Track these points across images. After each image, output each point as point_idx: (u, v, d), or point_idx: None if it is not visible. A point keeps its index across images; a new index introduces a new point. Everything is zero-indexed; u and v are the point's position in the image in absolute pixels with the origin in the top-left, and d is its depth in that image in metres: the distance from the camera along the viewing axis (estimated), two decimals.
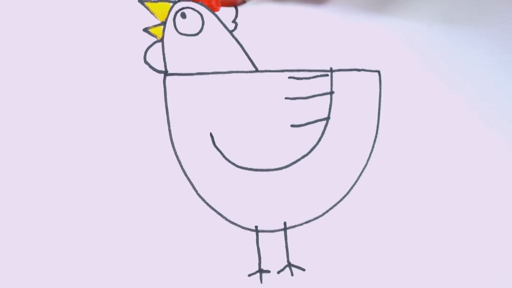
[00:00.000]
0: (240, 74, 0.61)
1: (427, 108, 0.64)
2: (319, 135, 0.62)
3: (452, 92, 0.65)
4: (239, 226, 0.61)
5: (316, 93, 0.62)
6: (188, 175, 0.60)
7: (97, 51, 0.59)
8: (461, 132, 0.65)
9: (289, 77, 0.62)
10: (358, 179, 0.63)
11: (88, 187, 0.59)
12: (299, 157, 0.62)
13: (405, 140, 0.64)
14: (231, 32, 0.61)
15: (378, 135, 0.63)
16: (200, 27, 0.61)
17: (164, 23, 0.60)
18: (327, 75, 0.63)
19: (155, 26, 0.60)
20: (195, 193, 0.61)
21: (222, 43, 0.61)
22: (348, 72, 0.63)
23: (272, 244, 0.62)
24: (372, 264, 0.63)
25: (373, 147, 0.63)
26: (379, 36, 0.63)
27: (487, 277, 0.65)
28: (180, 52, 0.60)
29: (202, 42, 0.61)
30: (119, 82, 0.59)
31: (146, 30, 0.60)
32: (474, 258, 0.65)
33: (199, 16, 0.61)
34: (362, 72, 0.63)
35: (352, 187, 0.63)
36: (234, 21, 0.61)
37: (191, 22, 0.61)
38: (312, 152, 0.62)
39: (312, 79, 0.62)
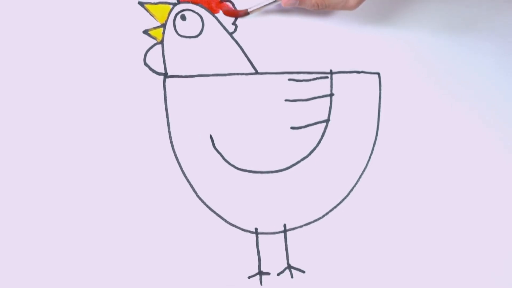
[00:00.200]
0: (240, 76, 0.61)
1: (427, 110, 0.64)
2: (319, 137, 0.62)
3: (451, 94, 0.65)
4: (239, 228, 0.61)
5: (316, 95, 0.62)
6: (188, 177, 0.60)
7: (97, 53, 0.59)
8: (460, 134, 0.65)
9: (289, 79, 0.62)
10: (358, 181, 0.63)
11: (87, 189, 0.58)
12: (299, 159, 0.62)
13: (405, 142, 0.64)
14: (231, 34, 0.61)
15: (378, 137, 0.63)
16: (200, 29, 0.61)
17: (164, 25, 0.60)
18: (327, 77, 0.63)
19: (155, 28, 0.60)
20: (195, 195, 0.61)
21: (222, 45, 0.61)
22: (348, 74, 0.63)
23: (272, 246, 0.62)
24: (372, 266, 0.63)
25: (373, 149, 0.63)
26: (379, 38, 0.63)
27: (486, 281, 0.65)
28: (180, 54, 0.60)
29: (202, 44, 0.61)
30: (119, 84, 0.59)
31: (146, 32, 0.60)
32: (473, 259, 0.65)
33: (199, 18, 0.61)
34: (362, 74, 0.63)
35: (352, 189, 0.63)
36: (234, 23, 0.61)
37: (191, 24, 0.60)
38: (312, 154, 0.62)
39: (312, 81, 0.62)
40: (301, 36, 0.62)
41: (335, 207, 0.63)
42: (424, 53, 0.64)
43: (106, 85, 0.59)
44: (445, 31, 0.65)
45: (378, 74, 0.63)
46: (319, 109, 0.62)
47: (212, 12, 0.61)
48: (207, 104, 0.61)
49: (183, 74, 0.60)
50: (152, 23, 0.60)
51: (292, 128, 0.62)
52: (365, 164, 0.63)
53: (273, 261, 0.62)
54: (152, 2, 0.60)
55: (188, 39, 0.61)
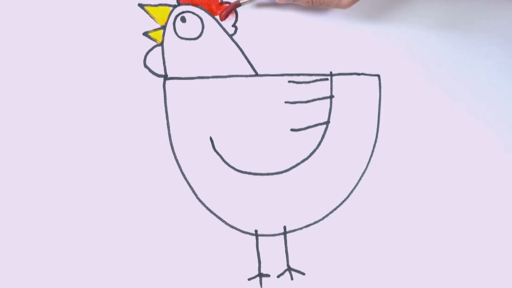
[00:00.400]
0: (240, 78, 0.61)
1: (427, 112, 0.64)
2: (319, 139, 0.62)
3: (451, 96, 0.65)
4: (239, 230, 0.61)
5: (316, 97, 0.62)
6: (188, 179, 0.60)
7: (97, 55, 0.59)
8: (460, 135, 0.65)
9: (289, 81, 0.62)
10: (358, 183, 0.63)
11: (87, 191, 0.58)
12: (299, 161, 0.62)
13: (405, 144, 0.64)
14: (231, 36, 0.61)
15: (378, 139, 0.63)
16: (200, 31, 0.61)
17: (164, 27, 0.60)
18: (327, 79, 0.63)
19: (155, 30, 0.60)
20: (195, 197, 0.61)
21: (222, 47, 0.61)
22: (348, 76, 0.63)
23: (272, 248, 0.62)
24: (372, 268, 0.63)
25: (373, 151, 0.63)
26: (379, 40, 0.63)
27: (487, 283, 0.65)
28: (180, 56, 0.60)
29: (202, 46, 0.61)
30: (119, 86, 0.59)
31: (146, 34, 0.60)
32: (474, 261, 0.65)
33: (199, 20, 0.61)
34: (362, 76, 0.63)
35: (352, 191, 0.63)
36: (234, 25, 0.61)
37: (191, 26, 0.60)
38: (312, 156, 0.62)
39: (312, 83, 0.62)
40: (301, 38, 0.62)
41: (335, 209, 0.63)
42: (424, 55, 0.64)
43: (106, 87, 0.59)
44: (446, 33, 0.65)
45: (378, 76, 0.63)
46: (319, 111, 0.62)
47: (212, 14, 0.61)
48: (207, 106, 0.61)
49: (183, 76, 0.60)
50: (152, 25, 0.60)
51: (292, 130, 0.62)
52: (365, 166, 0.63)
53: (273, 263, 0.62)
54: (152, 4, 0.60)
55: (188, 41, 0.61)
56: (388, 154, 0.64)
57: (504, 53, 0.66)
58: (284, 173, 0.62)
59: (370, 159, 0.63)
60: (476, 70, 0.65)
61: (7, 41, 0.58)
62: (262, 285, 0.62)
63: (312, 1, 0.57)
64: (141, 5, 0.60)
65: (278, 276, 0.62)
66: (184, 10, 0.60)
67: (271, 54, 0.62)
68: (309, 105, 0.62)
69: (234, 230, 0.61)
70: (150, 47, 0.60)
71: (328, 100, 0.63)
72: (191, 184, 0.60)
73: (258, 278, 0.61)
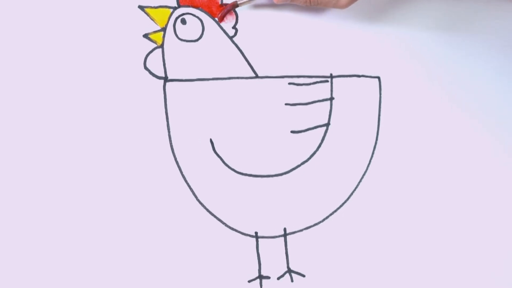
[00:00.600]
0: (240, 80, 0.61)
1: (428, 114, 0.64)
2: (319, 141, 0.62)
3: (452, 98, 0.65)
4: (239, 232, 0.61)
5: (316, 99, 0.62)
6: (188, 181, 0.60)
7: (97, 57, 0.59)
8: (461, 137, 0.65)
9: (289, 83, 0.62)
10: (358, 185, 0.63)
11: (87, 193, 0.58)
12: (299, 163, 0.62)
13: (405, 146, 0.64)
14: (231, 38, 0.61)
15: (378, 141, 0.63)
16: (200, 33, 0.61)
17: (164, 29, 0.60)
18: (327, 81, 0.63)
19: (155, 32, 0.60)
20: (195, 199, 0.61)
21: (222, 49, 0.61)
22: (348, 78, 0.63)
23: (272, 250, 0.62)
24: (372, 270, 0.63)
25: (373, 153, 0.63)
26: (380, 42, 0.64)
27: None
28: (180, 58, 0.60)
29: (202, 48, 0.61)
30: (119, 88, 0.59)
31: (146, 36, 0.60)
32: (475, 263, 0.65)
33: (199, 22, 0.61)
34: (362, 78, 0.63)
35: (352, 193, 0.63)
36: (234, 27, 0.61)
37: (191, 28, 0.60)
38: (312, 158, 0.62)
39: (312, 85, 0.62)
40: (302, 40, 0.62)
41: (335, 211, 0.63)
42: (425, 56, 0.64)
43: (106, 89, 0.59)
44: (446, 34, 0.65)
45: (378, 78, 0.63)
46: (319, 113, 0.62)
47: (212, 16, 0.61)
48: (207, 108, 0.61)
49: (183, 78, 0.60)
50: (152, 27, 0.60)
51: (292, 132, 0.62)
52: (365, 168, 0.63)
53: (273, 265, 0.62)
54: (152, 6, 0.60)
55: (188, 43, 0.61)
56: (388, 156, 0.64)
57: (504, 55, 0.66)
58: (284, 175, 0.62)
59: (370, 161, 0.63)
60: (476, 72, 0.65)
61: (7, 42, 0.58)
62: (262, 287, 0.62)
63: (310, 1, 0.57)
64: (141, 7, 0.60)
65: (278, 278, 0.62)
66: (184, 12, 0.60)
67: (271, 56, 0.62)
68: (309, 107, 0.62)
69: (234, 232, 0.61)
70: (150, 49, 0.60)
71: (328, 102, 0.63)
72: (191, 186, 0.60)
73: (258, 280, 0.61)
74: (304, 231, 0.62)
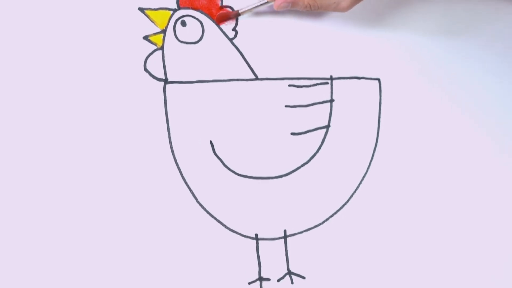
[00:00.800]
0: (240, 82, 0.61)
1: (428, 116, 0.64)
2: (319, 143, 0.62)
3: (452, 100, 0.65)
4: (239, 234, 0.61)
5: (316, 101, 0.62)
6: (188, 183, 0.60)
7: (97, 59, 0.59)
8: (461, 140, 0.65)
9: (289, 85, 0.62)
10: (358, 186, 0.63)
11: (87, 195, 0.58)
12: (299, 165, 0.62)
13: (406, 148, 0.64)
14: (231, 40, 0.61)
15: (378, 143, 0.63)
16: (200, 35, 0.61)
17: (164, 31, 0.60)
18: (327, 83, 0.63)
19: (155, 34, 0.60)
20: (195, 201, 0.61)
21: (222, 51, 0.61)
22: (348, 80, 0.63)
23: (272, 252, 0.62)
24: (372, 272, 0.63)
25: (373, 155, 0.63)
26: (379, 44, 0.63)
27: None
28: (180, 60, 0.60)
29: (202, 50, 0.61)
30: (119, 90, 0.59)
31: (146, 38, 0.60)
32: (476, 266, 0.65)
33: (199, 24, 0.61)
34: (362, 80, 0.63)
35: (352, 195, 0.63)
36: (234, 29, 0.61)
37: (191, 30, 0.60)
38: (312, 160, 0.62)
39: (312, 87, 0.62)
40: (302, 42, 0.62)
41: (335, 213, 0.63)
42: (425, 58, 0.64)
43: (106, 91, 0.59)
44: (446, 37, 0.65)
45: (379, 80, 0.63)
46: (319, 115, 0.62)
47: (212, 18, 0.61)
48: (208, 110, 0.61)
49: (184, 80, 0.60)
50: (152, 29, 0.60)
51: (293, 134, 0.62)
52: (365, 170, 0.63)
53: (274, 267, 0.62)
54: (153, 8, 0.60)
55: (188, 45, 0.61)
56: (389, 158, 0.63)
57: (504, 56, 0.66)
58: (284, 177, 0.62)
59: (370, 163, 0.63)
60: (476, 74, 0.65)
61: (7, 43, 0.58)
62: None
63: (310, 6, 0.57)
64: (141, 9, 0.60)
65: (279, 280, 0.62)
66: (184, 14, 0.60)
67: (271, 58, 0.62)
68: (310, 109, 0.62)
69: (234, 234, 0.61)
70: (150, 51, 0.60)
71: (329, 104, 0.63)
72: (192, 188, 0.60)
73: (258, 282, 0.61)
74: (304, 233, 0.62)
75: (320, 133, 0.62)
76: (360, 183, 0.63)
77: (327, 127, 0.63)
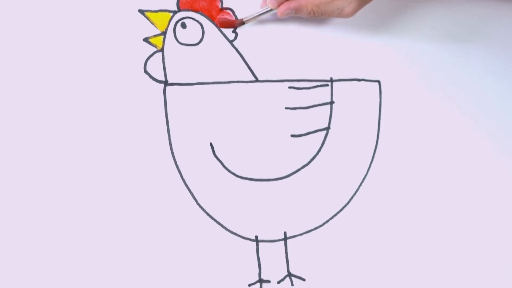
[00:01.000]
0: (240, 84, 0.61)
1: (428, 118, 0.64)
2: (319, 145, 0.62)
3: (451, 102, 0.65)
4: (239, 236, 0.61)
5: (316, 103, 0.62)
6: (188, 185, 0.60)
7: (97, 61, 0.59)
8: (460, 142, 0.65)
9: (289, 87, 0.62)
10: (358, 188, 0.63)
11: (87, 196, 0.58)
12: (299, 167, 0.62)
13: (406, 150, 0.64)
14: (231, 42, 0.61)
15: (378, 145, 0.63)
16: (200, 37, 0.61)
17: (164, 33, 0.60)
18: (327, 85, 0.63)
19: (155, 36, 0.60)
20: (195, 203, 0.61)
21: (222, 53, 0.61)
22: (348, 82, 0.63)
23: (272, 254, 0.62)
24: (372, 274, 0.63)
25: (373, 157, 0.63)
26: (379, 46, 0.63)
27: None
28: (180, 62, 0.60)
29: (202, 52, 0.61)
30: (119, 92, 0.59)
31: (146, 40, 0.60)
32: (477, 269, 0.65)
33: (199, 26, 0.61)
34: (362, 82, 0.63)
35: (352, 197, 0.63)
36: (234, 31, 0.61)
37: (191, 32, 0.60)
38: (312, 162, 0.62)
39: (312, 89, 0.62)
40: (302, 44, 0.62)
41: (335, 214, 0.63)
42: (425, 61, 0.64)
43: (106, 93, 0.59)
44: (445, 39, 0.65)
45: (379, 82, 0.63)
46: (319, 117, 0.62)
47: (212, 20, 0.61)
48: (208, 112, 0.61)
49: (184, 82, 0.60)
50: (152, 31, 0.60)
51: (293, 136, 0.62)
52: (365, 172, 0.63)
53: (274, 269, 0.62)
54: (153, 10, 0.60)
55: (188, 47, 0.61)
56: (389, 160, 0.64)
57: (504, 58, 0.66)
58: (284, 179, 0.62)
59: (370, 165, 0.63)
60: (476, 76, 0.65)
61: (7, 45, 0.58)
62: None
63: (314, 12, 0.57)
64: (141, 11, 0.60)
65: (279, 282, 0.62)
66: (185, 16, 0.60)
67: (271, 60, 0.62)
68: (310, 111, 0.62)
69: (234, 236, 0.61)
70: (150, 53, 0.60)
71: (329, 106, 0.63)
72: (192, 190, 0.60)
73: (258, 284, 0.62)
74: (304, 235, 0.62)
75: (320, 135, 0.62)
76: (360, 185, 0.63)
77: (327, 129, 0.63)
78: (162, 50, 0.60)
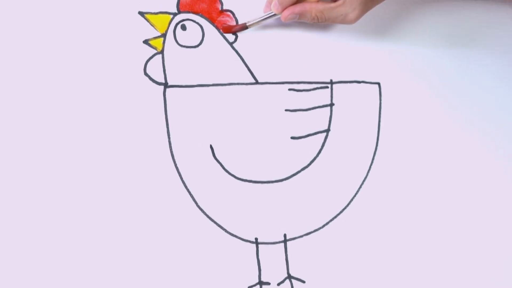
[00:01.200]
0: (240, 86, 0.61)
1: (427, 120, 0.64)
2: (319, 147, 0.62)
3: (451, 105, 0.65)
4: (239, 238, 0.61)
5: (316, 105, 0.62)
6: (188, 187, 0.60)
7: (97, 63, 0.59)
8: (460, 144, 0.65)
9: (289, 89, 0.62)
10: (358, 191, 0.63)
11: (87, 198, 0.58)
12: (299, 169, 0.62)
13: (406, 152, 0.64)
14: (231, 44, 0.61)
15: (378, 147, 0.63)
16: (200, 39, 0.61)
17: (164, 35, 0.60)
18: (327, 87, 0.63)
19: (155, 38, 0.60)
20: (195, 205, 0.60)
21: (222, 55, 0.61)
22: (348, 84, 0.63)
23: (272, 256, 0.62)
24: (373, 276, 0.63)
25: (373, 159, 0.63)
26: (379, 48, 0.64)
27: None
28: (180, 64, 0.60)
29: (202, 54, 0.61)
30: (119, 94, 0.59)
31: (146, 42, 0.60)
32: (479, 272, 0.65)
33: (199, 28, 0.61)
34: (362, 84, 0.63)
35: (352, 199, 0.63)
36: (234, 33, 0.61)
37: (191, 34, 0.60)
38: (312, 164, 0.62)
39: (312, 91, 0.62)
40: (302, 46, 0.62)
41: (335, 217, 0.63)
42: (425, 63, 0.64)
43: (106, 95, 0.59)
44: (445, 42, 0.65)
45: (378, 84, 0.63)
46: (319, 119, 0.62)
47: (213, 22, 0.61)
48: (207, 114, 0.61)
49: (184, 84, 0.60)
50: (152, 33, 0.60)
51: (293, 138, 0.62)
52: (365, 174, 0.63)
53: (273, 271, 0.62)
54: (153, 12, 0.60)
55: (188, 49, 0.61)
56: (389, 162, 0.64)
57: (503, 63, 0.66)
58: (284, 181, 0.62)
59: (370, 167, 0.63)
60: (476, 78, 0.65)
61: (7, 47, 0.58)
62: None
63: (317, 18, 0.57)
64: (141, 13, 0.60)
65: (279, 284, 0.62)
66: (185, 18, 0.60)
67: (271, 62, 0.62)
68: (310, 113, 0.62)
69: (234, 238, 0.61)
70: (150, 55, 0.60)
71: (329, 108, 0.63)
72: (191, 192, 0.60)
73: (258, 286, 0.61)
74: (304, 237, 0.62)
75: (320, 137, 0.62)
76: (360, 187, 0.63)
77: (327, 131, 0.63)
78: (162, 52, 0.60)
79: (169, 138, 0.60)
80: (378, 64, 0.63)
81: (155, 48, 0.60)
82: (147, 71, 0.60)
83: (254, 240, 0.62)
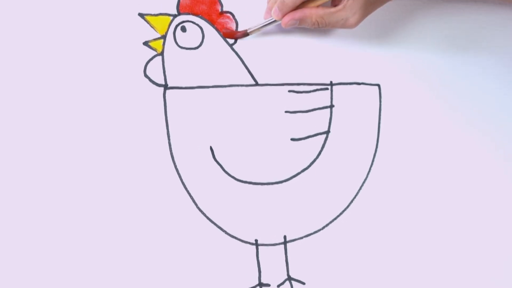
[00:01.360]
0: (240, 87, 0.61)
1: (427, 121, 0.64)
2: (319, 148, 0.62)
3: (451, 106, 0.65)
4: (239, 239, 0.61)
5: (316, 107, 0.62)
6: (188, 189, 0.60)
7: (97, 64, 0.59)
8: (459, 145, 0.65)
9: (289, 91, 0.62)
10: (358, 192, 0.63)
11: (87, 199, 0.58)
12: (299, 170, 0.62)
13: (405, 154, 0.64)
14: (231, 45, 0.61)
15: (378, 148, 0.63)
16: (200, 40, 0.61)
17: (164, 37, 0.60)
18: (327, 88, 0.63)
19: (155, 39, 0.60)
20: (195, 206, 0.60)
21: (222, 57, 0.61)
22: (348, 85, 0.63)
23: (272, 258, 0.62)
24: (372, 277, 0.63)
25: (373, 160, 0.63)
26: (379, 50, 0.64)
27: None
28: (180, 65, 0.60)
29: (202, 56, 0.61)
30: (119, 96, 0.59)
31: (146, 43, 0.60)
32: (479, 274, 0.65)
33: (199, 29, 0.61)
34: (362, 85, 0.63)
35: (352, 200, 0.63)
36: None
37: (191, 36, 0.60)
38: (312, 166, 0.62)
39: (312, 93, 0.62)
40: (301, 47, 0.62)
41: (335, 218, 0.63)
42: (425, 65, 0.64)
43: (106, 96, 0.59)
44: (445, 44, 0.65)
45: (378, 85, 0.63)
46: (319, 121, 0.62)
47: (212, 23, 0.61)
48: (207, 115, 0.61)
49: (183, 86, 0.60)
50: (152, 34, 0.60)
51: (292, 139, 0.62)
52: (365, 176, 0.63)
53: (273, 273, 0.62)
54: (153, 13, 0.60)
55: (188, 50, 0.61)
56: (389, 164, 0.64)
57: (502, 65, 0.66)
58: (284, 183, 0.62)
59: (370, 169, 0.63)
60: (476, 81, 0.65)
61: (7, 48, 0.58)
62: None
63: (318, 23, 0.57)
64: (141, 15, 0.60)
65: (278, 286, 0.62)
66: (184, 19, 0.60)
67: (271, 64, 0.62)
68: (309, 114, 0.62)
69: (234, 239, 0.61)
70: (150, 57, 0.60)
71: (328, 109, 0.63)
72: (191, 194, 0.60)
73: (258, 287, 0.61)
74: (304, 238, 0.62)
75: (320, 138, 0.62)
76: (360, 188, 0.63)
77: (327, 132, 0.63)
78: (162, 53, 0.60)
79: (169, 139, 0.60)
80: (378, 66, 0.63)
81: (155, 49, 0.60)
82: (147, 73, 0.60)
83: (254, 242, 0.62)
